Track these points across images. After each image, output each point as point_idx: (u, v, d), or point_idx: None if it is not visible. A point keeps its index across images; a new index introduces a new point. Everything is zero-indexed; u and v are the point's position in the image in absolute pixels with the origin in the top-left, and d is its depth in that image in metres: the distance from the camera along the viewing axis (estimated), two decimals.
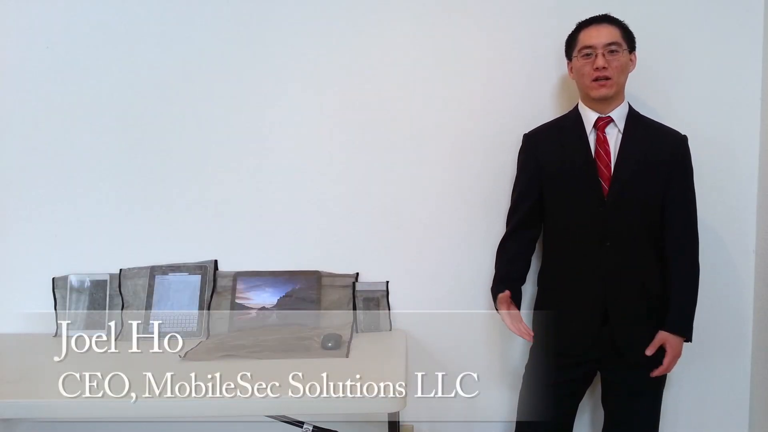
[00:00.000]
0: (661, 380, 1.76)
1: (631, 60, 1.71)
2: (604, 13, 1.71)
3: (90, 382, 1.50)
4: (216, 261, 2.03)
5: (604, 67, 1.64)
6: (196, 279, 2.00)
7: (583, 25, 1.71)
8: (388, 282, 2.00)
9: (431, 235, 2.00)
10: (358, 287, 1.98)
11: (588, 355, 1.72)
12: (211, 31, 2.00)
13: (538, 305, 1.85)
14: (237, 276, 2.01)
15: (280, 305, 1.97)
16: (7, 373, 1.59)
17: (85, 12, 2.00)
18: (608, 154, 1.68)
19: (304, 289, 1.99)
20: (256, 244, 2.04)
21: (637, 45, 1.95)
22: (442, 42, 1.98)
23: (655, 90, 1.96)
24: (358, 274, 2.02)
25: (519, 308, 1.75)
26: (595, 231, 1.66)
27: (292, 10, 1.99)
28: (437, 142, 2.00)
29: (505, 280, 1.76)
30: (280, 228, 2.03)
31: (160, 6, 1.99)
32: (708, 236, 1.98)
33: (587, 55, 1.67)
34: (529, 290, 1.99)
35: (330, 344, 1.73)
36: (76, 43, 2.01)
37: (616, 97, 1.70)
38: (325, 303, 1.98)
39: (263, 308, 1.97)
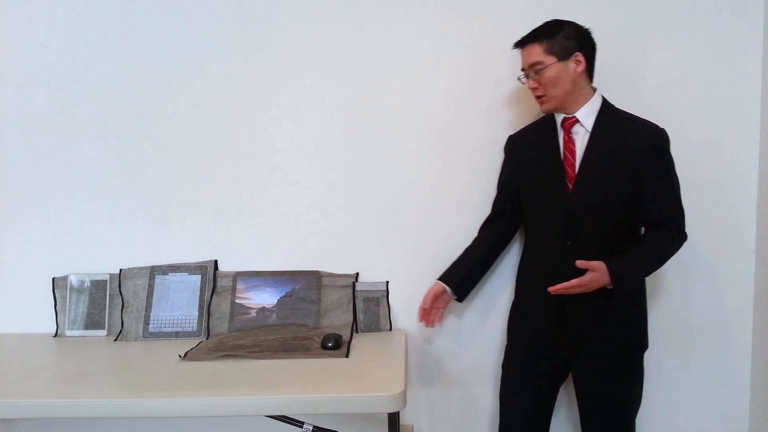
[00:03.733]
0: (629, 381, 1.72)
1: (576, 62, 1.64)
2: (525, 35, 1.68)
3: (89, 382, 1.50)
4: (216, 261, 2.04)
5: (535, 88, 1.68)
6: (196, 279, 2.00)
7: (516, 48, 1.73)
8: (388, 282, 2.00)
9: (431, 235, 2.00)
10: (358, 287, 1.98)
11: (553, 352, 1.73)
12: (211, 31, 2.00)
13: (513, 302, 1.87)
14: (237, 276, 2.01)
15: (280, 305, 1.97)
16: (7, 373, 1.59)
17: (85, 12, 2.01)
18: (573, 154, 1.68)
19: (304, 289, 1.99)
20: (256, 244, 2.04)
21: (637, 45, 1.96)
22: (443, 42, 1.98)
23: (655, 90, 1.96)
24: (358, 274, 2.02)
25: (464, 294, 1.86)
26: (558, 230, 1.67)
27: (292, 11, 1.99)
28: (438, 143, 2.00)
29: (457, 264, 1.87)
30: (280, 228, 2.04)
31: (160, 6, 2.00)
32: (708, 236, 1.98)
33: (525, 76, 1.71)
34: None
35: (330, 344, 1.73)
36: (76, 43, 2.01)
37: (573, 101, 1.68)
38: (325, 303, 1.98)
39: (263, 308, 1.97)
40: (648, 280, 2.00)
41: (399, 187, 2.02)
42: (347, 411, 1.39)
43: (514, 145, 1.87)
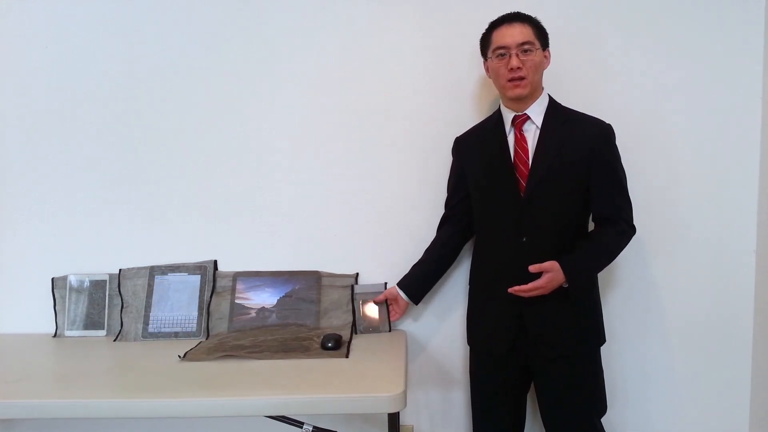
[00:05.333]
0: (590, 378, 1.71)
1: (545, 57, 1.70)
2: (515, 11, 1.69)
3: (89, 382, 1.50)
4: (216, 261, 2.03)
5: (518, 68, 1.62)
6: (196, 279, 2.00)
7: (495, 25, 1.69)
8: (386, 283, 1.99)
9: (431, 235, 2.00)
10: (357, 289, 1.96)
11: (514, 357, 1.72)
12: (212, 32, 2.00)
13: (469, 304, 1.86)
14: (237, 276, 2.01)
15: (280, 305, 1.97)
16: (7, 373, 1.58)
17: (85, 12, 2.01)
18: (526, 151, 1.68)
19: (304, 289, 1.99)
20: (256, 244, 2.04)
21: (636, 45, 1.96)
22: (443, 43, 1.98)
23: (655, 90, 1.96)
24: (358, 274, 2.02)
25: (418, 297, 1.90)
26: (511, 227, 1.67)
27: (292, 11, 1.99)
28: (438, 143, 2.00)
29: (414, 268, 1.90)
30: (280, 228, 2.04)
31: (160, 6, 2.00)
32: (708, 236, 1.99)
33: (501, 55, 1.65)
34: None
35: (330, 344, 1.72)
36: (76, 43, 2.01)
37: (533, 94, 1.69)
38: (325, 303, 1.98)
39: (263, 308, 1.97)
40: (648, 279, 2.01)
41: (399, 188, 2.02)
42: (347, 411, 1.39)
43: (462, 146, 1.86)
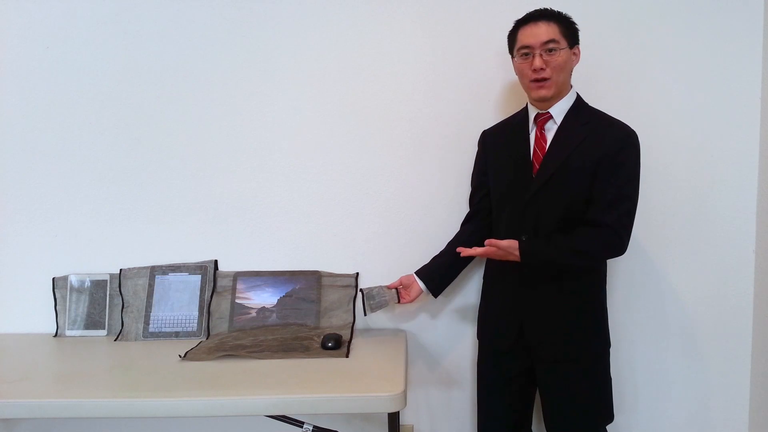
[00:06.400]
0: (593, 382, 1.67)
1: (574, 54, 1.64)
2: (542, 8, 1.62)
3: (89, 382, 1.50)
4: (216, 261, 2.04)
5: (542, 68, 1.58)
6: (196, 279, 2.00)
7: (520, 23, 1.64)
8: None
9: (432, 234, 2.00)
10: (365, 291, 1.87)
11: (517, 354, 1.71)
12: (211, 31, 2.00)
13: (481, 298, 1.86)
14: (237, 276, 2.01)
15: (280, 305, 1.97)
16: (7, 373, 1.59)
17: (85, 12, 2.01)
18: (544, 151, 1.65)
19: (304, 289, 1.99)
20: (256, 244, 2.04)
21: (636, 46, 1.95)
22: (442, 42, 1.98)
23: (655, 90, 1.96)
24: (358, 274, 2.02)
25: (438, 289, 1.85)
26: (516, 225, 1.66)
27: (292, 11, 1.99)
28: (438, 142, 2.00)
29: (434, 260, 1.87)
30: (280, 228, 2.04)
31: (160, 6, 2.00)
32: (708, 236, 1.99)
33: (525, 54, 1.61)
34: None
35: (330, 344, 1.73)
36: (76, 43, 2.01)
37: (558, 93, 1.64)
38: (325, 303, 1.98)
39: (263, 308, 1.97)
40: (648, 279, 2.01)
41: (399, 187, 2.02)
42: (347, 411, 1.39)
43: (487, 140, 1.84)
